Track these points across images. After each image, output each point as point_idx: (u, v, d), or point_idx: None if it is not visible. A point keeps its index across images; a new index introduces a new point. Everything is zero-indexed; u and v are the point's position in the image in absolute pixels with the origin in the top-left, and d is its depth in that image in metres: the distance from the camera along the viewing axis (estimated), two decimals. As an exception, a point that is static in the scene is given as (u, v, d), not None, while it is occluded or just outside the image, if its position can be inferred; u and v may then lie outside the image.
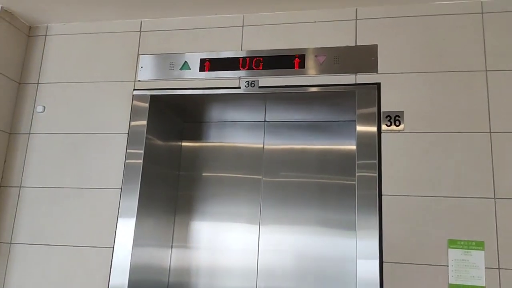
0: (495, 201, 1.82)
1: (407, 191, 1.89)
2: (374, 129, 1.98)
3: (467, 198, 1.84)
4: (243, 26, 2.25)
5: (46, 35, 2.47)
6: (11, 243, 2.21)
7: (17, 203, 2.26)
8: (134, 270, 2.09)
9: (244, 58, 2.19)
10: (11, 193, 2.28)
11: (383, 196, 1.90)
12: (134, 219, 2.10)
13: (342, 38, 2.12)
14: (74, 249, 2.14)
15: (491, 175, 1.84)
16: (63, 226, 2.18)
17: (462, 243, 1.79)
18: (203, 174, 2.60)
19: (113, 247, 2.09)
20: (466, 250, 1.78)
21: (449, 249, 1.80)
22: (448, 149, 1.90)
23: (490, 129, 1.89)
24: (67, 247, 2.15)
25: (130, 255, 2.06)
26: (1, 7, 2.30)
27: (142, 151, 2.18)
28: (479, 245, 1.78)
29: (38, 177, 2.27)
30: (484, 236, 1.79)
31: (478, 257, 1.77)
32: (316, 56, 2.12)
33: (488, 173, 1.84)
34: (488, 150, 1.87)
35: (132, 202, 2.12)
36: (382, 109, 1.99)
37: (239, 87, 2.18)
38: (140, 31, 2.36)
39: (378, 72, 2.04)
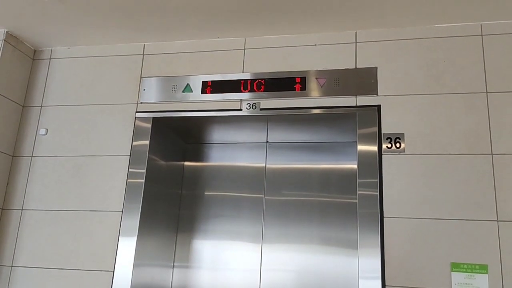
0: (498, 224, 1.80)
1: (409, 213, 1.88)
2: (374, 148, 1.99)
3: (469, 220, 1.83)
4: (244, 49, 2.27)
5: (50, 59, 2.50)
6: (12, 266, 2.20)
7: (19, 225, 2.26)
8: (135, 291, 2.08)
9: (245, 80, 2.21)
10: (13, 215, 2.28)
11: (384, 218, 1.89)
12: (135, 238, 2.10)
13: (342, 61, 2.13)
14: (75, 272, 2.13)
15: (493, 197, 1.83)
16: (64, 249, 2.17)
17: (465, 266, 1.77)
18: (206, 193, 2.60)
19: (114, 271, 2.08)
20: (469, 273, 1.76)
21: (452, 273, 1.78)
22: (449, 171, 1.89)
23: (491, 151, 1.88)
24: (68, 270, 2.14)
25: (131, 275, 2.05)
26: (6, 31, 2.34)
27: (144, 170, 2.19)
28: (483, 269, 1.76)
29: (40, 200, 2.28)
30: (488, 259, 1.77)
31: (482, 281, 1.74)
32: (317, 78, 2.13)
33: (490, 195, 1.83)
34: (490, 172, 1.86)
35: (133, 221, 2.12)
36: (383, 131, 2.00)
37: (240, 109, 2.19)
38: (143, 54, 2.39)
39: (378, 94, 2.05)
